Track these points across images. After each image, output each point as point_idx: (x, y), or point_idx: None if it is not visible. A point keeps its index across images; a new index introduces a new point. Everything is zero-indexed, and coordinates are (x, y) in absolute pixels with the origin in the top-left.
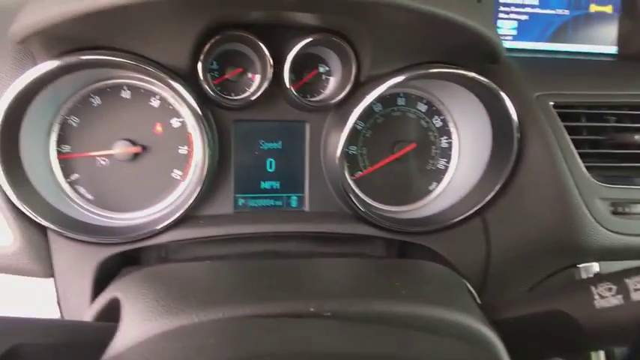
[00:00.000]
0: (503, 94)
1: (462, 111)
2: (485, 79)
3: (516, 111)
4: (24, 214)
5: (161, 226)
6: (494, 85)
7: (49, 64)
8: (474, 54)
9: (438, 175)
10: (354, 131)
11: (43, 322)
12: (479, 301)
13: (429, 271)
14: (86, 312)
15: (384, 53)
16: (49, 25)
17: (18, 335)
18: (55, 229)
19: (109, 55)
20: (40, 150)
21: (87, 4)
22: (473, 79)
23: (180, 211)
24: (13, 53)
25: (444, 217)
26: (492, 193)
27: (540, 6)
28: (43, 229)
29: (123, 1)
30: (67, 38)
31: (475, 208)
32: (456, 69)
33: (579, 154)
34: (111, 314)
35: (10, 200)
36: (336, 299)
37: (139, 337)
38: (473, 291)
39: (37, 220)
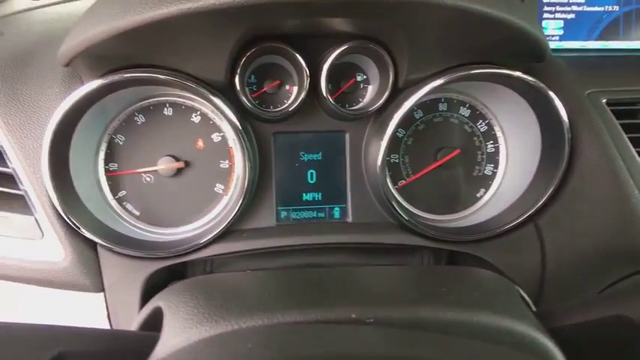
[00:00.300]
0: (551, 93)
1: (507, 114)
2: (531, 78)
3: (566, 110)
4: (75, 230)
5: (205, 240)
6: (541, 84)
7: (94, 84)
8: (517, 52)
9: (486, 181)
10: (394, 139)
11: (87, 331)
12: (534, 308)
13: (478, 277)
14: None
15: (422, 56)
16: (91, 44)
17: (63, 343)
18: (105, 244)
19: (150, 73)
20: (89, 168)
21: (123, 22)
22: (518, 78)
23: (224, 225)
24: (62, 77)
25: (495, 225)
26: (545, 198)
27: (587, 3)
28: (93, 245)
29: (157, 16)
30: (109, 57)
31: (527, 214)
32: (499, 69)
33: (638, 152)
34: (155, 324)
35: (62, 217)
36: (379, 306)
37: (179, 344)
38: (527, 298)
39: (87, 235)
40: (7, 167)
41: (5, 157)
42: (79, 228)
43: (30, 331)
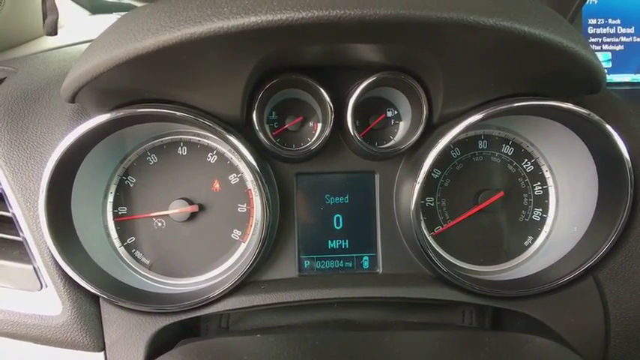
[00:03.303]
0: (609, 127)
1: (556, 152)
2: (584, 110)
3: (627, 147)
4: (75, 282)
5: (219, 292)
6: (597, 117)
7: (100, 118)
8: (569, 82)
9: (534, 227)
10: (430, 180)
11: None
12: None
13: (533, 349)
14: None
15: (459, 88)
16: (92, 77)
17: None
18: (108, 297)
19: (160, 108)
20: (96, 213)
21: (122, 51)
22: (569, 110)
23: (240, 276)
24: (71, 114)
25: (546, 278)
26: (605, 248)
27: (637, 34)
28: (95, 299)
29: (159, 43)
30: (116, 92)
31: (585, 267)
32: (547, 101)
33: None
34: None
35: (61, 268)
36: None
37: None
38: None
39: (89, 288)
40: (8, 212)
41: (6, 200)
42: (80, 279)
43: None
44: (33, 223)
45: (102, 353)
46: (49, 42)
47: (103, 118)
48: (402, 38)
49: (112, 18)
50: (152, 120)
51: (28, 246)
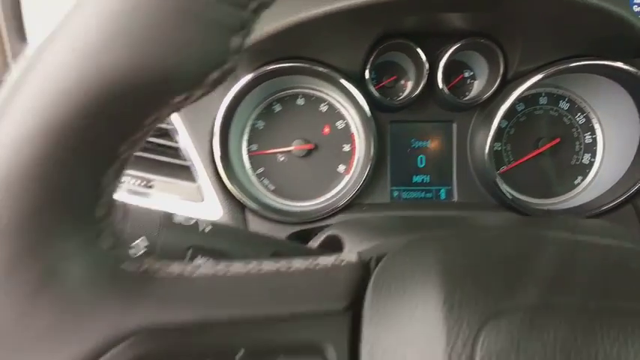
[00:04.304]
0: None
1: (606, 107)
2: (633, 69)
3: None
4: (230, 196)
5: (330, 210)
6: None
7: (249, 76)
8: (620, 46)
9: (583, 169)
10: (498, 129)
11: (291, 244)
12: None
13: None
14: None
15: (531, 50)
16: (252, 42)
17: (276, 246)
18: (253, 208)
19: (302, 63)
20: (237, 148)
21: (283, 22)
22: (619, 69)
23: (346, 199)
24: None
25: (592, 207)
26: None
27: None
28: (242, 209)
29: (309, 16)
30: (262, 52)
31: (625, 196)
32: (602, 60)
33: None
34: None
35: (220, 185)
36: None
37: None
38: None
39: (242, 200)
40: (178, 144)
41: (178, 136)
42: (237, 193)
43: (252, 235)
44: (201, 153)
45: None
46: None
47: (252, 75)
48: (491, 7)
49: None
50: (284, 74)
51: (195, 169)
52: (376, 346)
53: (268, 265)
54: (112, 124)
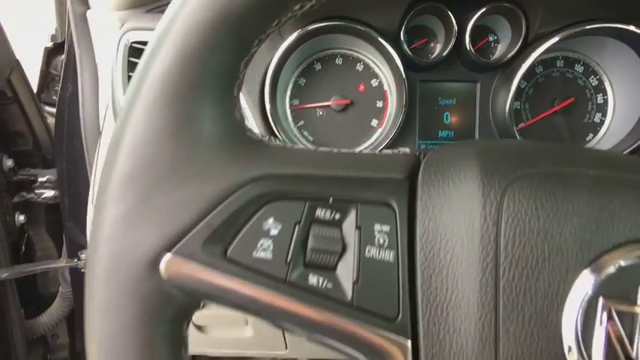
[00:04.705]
0: None
1: (618, 70)
2: None
3: None
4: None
5: None
6: None
7: (294, 35)
8: (633, 10)
9: (594, 127)
10: (518, 89)
11: None
12: None
13: None
14: None
15: (552, 14)
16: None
17: None
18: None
19: (340, 22)
20: (282, 103)
21: None
22: (632, 32)
23: (379, 149)
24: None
25: None
26: None
27: None
28: None
29: None
30: (306, 13)
31: (630, 150)
32: (617, 23)
33: None
34: None
35: (274, 134)
36: None
37: None
38: None
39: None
40: None
41: None
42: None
43: None
44: (251, 104)
45: None
46: None
47: (306, 29)
48: None
49: None
50: (325, 33)
51: (248, 121)
52: (428, 204)
53: (346, 150)
54: (252, 20)
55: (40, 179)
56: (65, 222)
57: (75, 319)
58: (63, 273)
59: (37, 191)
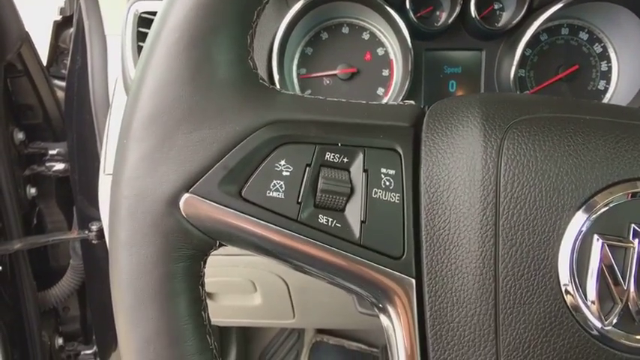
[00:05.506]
0: None
1: (622, 37)
2: None
3: None
4: None
5: None
6: None
7: (299, 4)
8: None
9: (598, 94)
10: (522, 56)
11: None
12: None
13: None
14: None
15: None
16: None
17: None
18: None
19: None
20: (289, 72)
21: None
22: None
23: None
24: (275, 4)
25: None
26: None
27: None
28: None
29: None
30: None
31: None
32: None
33: None
34: None
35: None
36: None
37: None
38: None
39: None
40: None
41: None
42: None
43: None
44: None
45: None
46: None
47: (302, 3)
48: None
49: None
50: (331, 0)
51: None
52: (432, 149)
53: (354, 101)
54: None
55: (51, 152)
56: (76, 195)
57: (86, 292)
58: (74, 246)
59: (47, 164)
